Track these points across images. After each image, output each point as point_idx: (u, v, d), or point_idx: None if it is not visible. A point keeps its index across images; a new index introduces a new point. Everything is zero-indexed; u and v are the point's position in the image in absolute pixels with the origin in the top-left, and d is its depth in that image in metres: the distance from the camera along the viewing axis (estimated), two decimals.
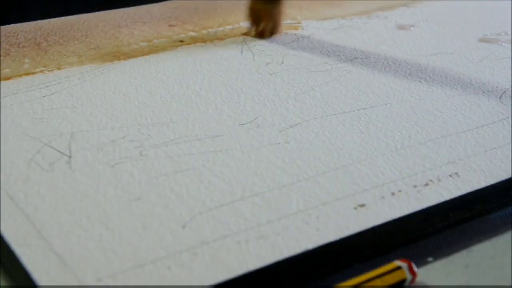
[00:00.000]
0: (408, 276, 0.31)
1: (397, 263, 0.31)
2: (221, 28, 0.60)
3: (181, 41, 0.57)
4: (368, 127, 0.42)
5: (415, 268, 0.31)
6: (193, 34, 0.58)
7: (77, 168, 0.37)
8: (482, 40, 0.59)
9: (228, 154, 0.39)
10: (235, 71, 0.51)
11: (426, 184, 0.36)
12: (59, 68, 0.50)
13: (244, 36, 0.58)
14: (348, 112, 0.44)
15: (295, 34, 0.59)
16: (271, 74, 0.50)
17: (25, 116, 0.43)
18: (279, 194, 0.35)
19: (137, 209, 0.33)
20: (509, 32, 0.61)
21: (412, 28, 0.62)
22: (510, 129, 0.43)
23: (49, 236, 0.31)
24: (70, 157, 0.38)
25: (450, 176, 0.37)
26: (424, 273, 0.32)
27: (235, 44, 0.56)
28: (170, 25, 0.60)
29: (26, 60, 0.52)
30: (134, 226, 0.32)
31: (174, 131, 0.41)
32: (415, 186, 0.36)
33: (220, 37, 0.58)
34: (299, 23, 0.62)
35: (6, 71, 0.50)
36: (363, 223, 0.33)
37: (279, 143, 0.40)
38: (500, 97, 0.47)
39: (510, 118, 0.44)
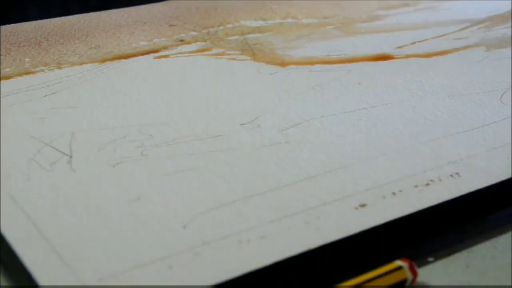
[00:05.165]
0: (409, 276, 0.31)
1: (398, 263, 0.31)
2: (221, 28, 0.60)
3: (182, 40, 0.57)
4: (368, 127, 0.42)
5: (416, 268, 0.31)
6: (193, 33, 0.58)
7: (78, 167, 0.37)
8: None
9: (229, 153, 0.39)
10: (235, 71, 0.51)
11: (427, 184, 0.36)
12: (59, 67, 0.50)
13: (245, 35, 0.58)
14: (349, 112, 0.44)
15: (294, 33, 0.59)
16: (271, 74, 0.50)
17: (26, 116, 0.43)
18: (280, 194, 0.35)
19: (138, 209, 0.33)
20: (509, 32, 0.61)
21: (412, 28, 0.62)
22: (511, 129, 0.43)
23: (50, 236, 0.31)
24: (71, 156, 0.38)
25: (451, 176, 0.37)
26: (425, 273, 0.32)
27: (235, 43, 0.56)
28: (171, 25, 0.60)
29: (27, 59, 0.52)
30: (135, 226, 0.32)
31: (175, 131, 0.41)
32: (416, 186, 0.36)
33: (220, 37, 0.58)
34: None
35: (6, 70, 0.50)
36: (364, 223, 0.33)
37: (280, 142, 0.40)
38: (500, 97, 0.47)
39: (510, 118, 0.44)
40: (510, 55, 0.55)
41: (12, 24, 0.58)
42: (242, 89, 0.48)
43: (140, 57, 0.53)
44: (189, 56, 0.53)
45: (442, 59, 0.54)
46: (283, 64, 0.52)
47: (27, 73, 0.49)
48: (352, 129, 0.42)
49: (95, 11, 0.62)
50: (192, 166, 0.37)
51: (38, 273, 0.29)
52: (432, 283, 0.31)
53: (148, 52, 0.54)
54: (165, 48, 0.55)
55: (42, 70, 0.50)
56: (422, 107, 0.45)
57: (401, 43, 0.58)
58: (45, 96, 0.46)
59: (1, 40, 0.55)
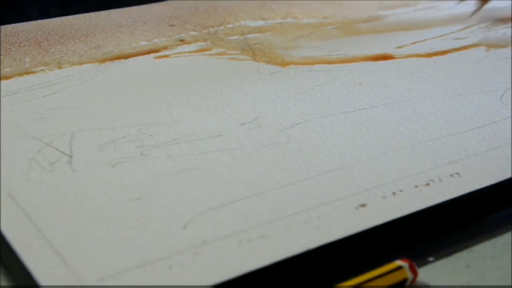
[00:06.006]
0: (409, 276, 0.31)
1: (398, 262, 0.31)
2: (221, 27, 0.60)
3: (182, 40, 0.57)
4: (368, 127, 0.42)
5: (416, 268, 0.31)
6: (193, 33, 0.58)
7: (78, 167, 0.37)
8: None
9: (229, 153, 0.39)
10: (235, 71, 0.51)
11: (427, 184, 0.36)
12: (59, 67, 0.50)
13: (246, 36, 0.58)
14: (349, 112, 0.44)
15: (295, 33, 0.59)
16: (271, 74, 0.50)
17: (26, 116, 0.43)
18: (280, 194, 0.35)
19: (138, 208, 0.33)
20: (509, 32, 0.61)
21: (412, 28, 0.62)
22: (511, 129, 0.43)
23: (50, 236, 0.31)
24: (71, 156, 0.38)
25: (451, 175, 0.37)
26: (425, 273, 0.32)
27: (236, 43, 0.56)
28: (171, 25, 0.60)
29: (27, 59, 0.52)
30: (135, 226, 0.32)
31: (175, 131, 0.41)
32: (416, 186, 0.36)
33: (220, 37, 0.58)
34: None
35: (6, 70, 0.50)
36: (364, 223, 0.33)
37: (280, 142, 0.40)
38: (500, 97, 0.47)
39: (510, 118, 0.44)
40: (510, 55, 0.55)
41: (12, 24, 0.58)
42: (242, 89, 0.48)
43: (140, 57, 0.53)
44: (189, 56, 0.54)
45: (442, 59, 0.54)
46: (283, 64, 0.52)
47: (27, 73, 0.50)
48: (352, 129, 0.42)
49: (95, 11, 0.62)
50: (192, 166, 0.37)
51: (38, 273, 0.29)
52: (432, 283, 0.31)
53: (148, 52, 0.54)
54: (165, 48, 0.55)
55: (42, 70, 0.50)
56: (422, 107, 0.45)
57: (401, 43, 0.58)
58: (45, 96, 0.46)
59: (1, 40, 0.55)
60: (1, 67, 0.50)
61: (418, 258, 0.32)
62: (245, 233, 0.32)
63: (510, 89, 0.49)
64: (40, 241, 0.31)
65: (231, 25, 0.61)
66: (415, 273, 0.31)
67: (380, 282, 0.30)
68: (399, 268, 0.31)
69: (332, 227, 0.33)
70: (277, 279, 0.30)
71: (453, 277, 0.32)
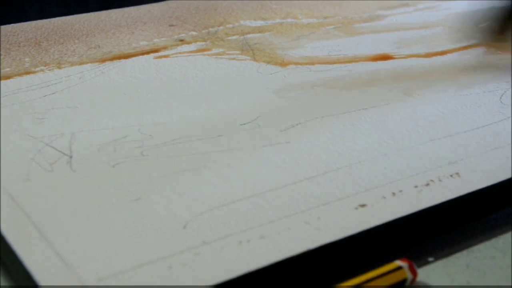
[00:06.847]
0: (409, 276, 0.31)
1: (398, 263, 0.31)
2: (221, 27, 0.60)
3: (182, 40, 0.57)
4: (368, 127, 0.42)
5: (416, 268, 0.31)
6: (193, 33, 0.58)
7: (78, 168, 0.37)
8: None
9: (229, 154, 0.39)
10: (235, 71, 0.51)
11: (427, 184, 0.36)
12: (59, 67, 0.50)
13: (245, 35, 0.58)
14: (349, 112, 0.44)
15: (294, 33, 0.59)
16: (271, 74, 0.50)
17: (26, 116, 0.43)
18: (280, 194, 0.35)
19: (138, 209, 0.33)
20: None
21: (412, 28, 0.62)
22: (511, 129, 0.43)
23: (50, 236, 0.31)
24: (71, 157, 0.38)
25: (451, 176, 0.37)
26: (425, 273, 0.32)
27: (235, 43, 0.56)
28: (171, 25, 0.60)
29: (27, 59, 0.52)
30: (135, 226, 0.32)
31: (174, 131, 0.41)
32: (416, 186, 0.36)
33: (220, 37, 0.58)
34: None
35: (6, 70, 0.50)
36: (364, 223, 0.33)
37: (280, 143, 0.40)
38: (500, 97, 0.47)
39: (510, 118, 0.44)
40: (510, 56, 0.55)
41: (12, 24, 0.58)
42: (242, 89, 0.48)
43: (140, 57, 0.53)
44: (189, 56, 0.54)
45: (442, 59, 0.54)
46: (283, 64, 0.52)
47: (27, 73, 0.49)
48: (352, 129, 0.42)
49: (95, 11, 0.62)
50: (192, 166, 0.37)
51: (38, 273, 0.29)
52: (432, 283, 0.31)
53: (148, 52, 0.54)
54: (165, 48, 0.55)
55: (42, 70, 0.50)
56: (422, 107, 0.45)
57: (401, 43, 0.58)
58: (45, 96, 0.46)
59: (1, 40, 0.55)
60: (1, 67, 0.50)
61: (418, 258, 0.32)
62: (245, 233, 0.32)
63: (510, 89, 0.49)
64: (40, 241, 0.31)
65: (231, 25, 0.61)
66: (414, 273, 0.31)
67: (379, 282, 0.30)
68: (399, 268, 0.31)
69: (332, 227, 0.33)
70: (277, 279, 0.30)
71: (453, 277, 0.32)
